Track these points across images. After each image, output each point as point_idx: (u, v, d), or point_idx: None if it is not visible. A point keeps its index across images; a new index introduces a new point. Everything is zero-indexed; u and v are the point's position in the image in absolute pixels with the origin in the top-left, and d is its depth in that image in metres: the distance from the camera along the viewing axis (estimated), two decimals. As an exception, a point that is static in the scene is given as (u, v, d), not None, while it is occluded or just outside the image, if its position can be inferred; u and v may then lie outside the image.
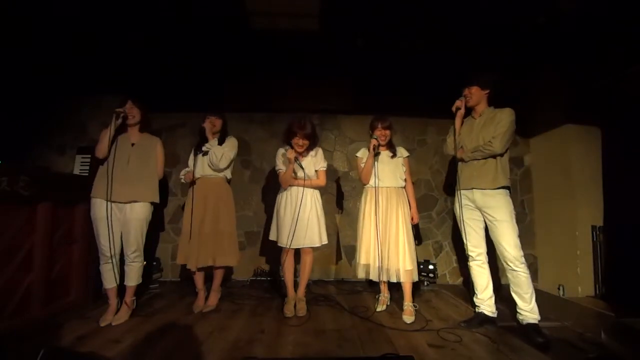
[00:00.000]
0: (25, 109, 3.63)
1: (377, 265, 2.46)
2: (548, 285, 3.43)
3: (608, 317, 2.51)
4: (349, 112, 3.84)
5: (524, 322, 2.12)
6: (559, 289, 3.23)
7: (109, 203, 2.23)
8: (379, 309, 2.56)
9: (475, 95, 2.34)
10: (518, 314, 2.17)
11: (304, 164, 2.49)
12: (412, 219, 2.60)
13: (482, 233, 2.35)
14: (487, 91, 2.34)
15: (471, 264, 2.38)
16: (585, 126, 3.24)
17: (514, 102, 3.66)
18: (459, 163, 2.43)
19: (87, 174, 3.17)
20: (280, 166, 2.56)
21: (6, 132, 3.35)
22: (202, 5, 2.67)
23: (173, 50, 3.34)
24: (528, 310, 2.11)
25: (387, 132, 2.60)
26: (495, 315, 2.31)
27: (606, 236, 3.08)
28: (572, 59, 3.20)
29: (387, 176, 2.58)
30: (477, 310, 2.37)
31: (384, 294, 2.67)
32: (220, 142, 2.58)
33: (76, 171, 3.35)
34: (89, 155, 3.32)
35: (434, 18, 2.80)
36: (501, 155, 2.24)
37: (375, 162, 2.56)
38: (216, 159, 2.48)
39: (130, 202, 2.31)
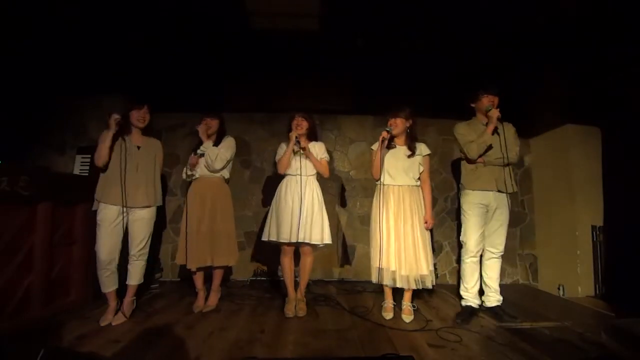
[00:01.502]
0: (25, 109, 3.63)
1: (392, 269, 2.35)
2: (548, 285, 3.43)
3: (608, 317, 2.51)
4: (349, 112, 3.84)
5: (493, 305, 2.46)
6: (559, 289, 3.23)
7: (124, 209, 2.25)
8: (387, 317, 2.39)
9: (496, 104, 2.44)
10: (487, 298, 2.51)
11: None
12: (425, 222, 2.41)
13: (483, 232, 2.50)
14: None
15: (469, 260, 2.50)
16: (585, 126, 3.25)
17: (514, 103, 3.68)
18: (471, 165, 2.51)
19: (87, 174, 3.16)
20: (280, 154, 2.55)
21: (6, 132, 3.34)
22: (202, 5, 2.67)
23: (173, 50, 3.34)
24: (497, 292, 2.48)
25: (398, 120, 2.42)
26: (478, 306, 2.52)
27: (606, 236, 3.08)
28: (572, 59, 3.20)
29: (399, 173, 2.43)
30: (464, 303, 2.53)
31: (389, 301, 2.49)
32: (218, 142, 2.58)
33: (76, 171, 3.35)
34: (89, 155, 3.31)
35: (434, 18, 2.80)
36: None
37: (388, 157, 2.43)
38: (211, 160, 2.49)
39: (142, 208, 2.33)
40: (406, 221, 2.38)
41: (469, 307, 2.49)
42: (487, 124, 2.42)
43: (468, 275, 2.51)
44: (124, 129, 2.30)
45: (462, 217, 2.56)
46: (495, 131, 2.40)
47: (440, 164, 3.82)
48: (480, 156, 2.44)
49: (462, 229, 2.55)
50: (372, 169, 2.49)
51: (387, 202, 2.42)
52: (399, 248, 2.36)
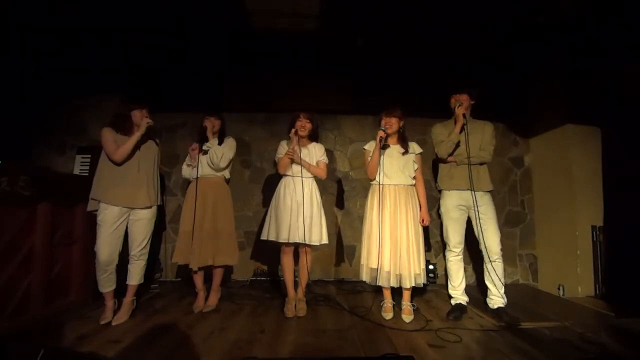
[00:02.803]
0: (25, 109, 3.63)
1: (387, 270, 2.35)
2: (548, 285, 3.43)
3: (608, 317, 2.51)
4: (349, 112, 3.84)
5: (495, 306, 2.43)
6: (559, 289, 3.23)
7: (122, 209, 2.26)
8: (387, 317, 2.40)
9: (466, 102, 2.48)
10: (490, 300, 2.48)
11: (303, 154, 2.52)
12: (422, 220, 2.44)
13: (464, 231, 2.55)
14: (473, 102, 2.52)
15: (452, 258, 2.56)
16: (585, 126, 3.24)
17: (514, 103, 3.68)
18: (445, 165, 2.59)
19: (87, 174, 3.16)
20: (281, 153, 2.54)
21: (6, 132, 3.35)
22: (203, 6, 2.67)
23: (173, 50, 3.34)
24: (500, 296, 2.43)
25: (393, 119, 2.45)
26: (466, 303, 2.58)
27: (606, 236, 3.07)
28: (571, 59, 3.19)
29: (396, 173, 2.44)
30: (453, 302, 2.57)
31: (389, 301, 2.50)
32: (219, 142, 2.60)
33: (76, 171, 3.35)
34: (89, 155, 3.32)
35: (433, 18, 2.80)
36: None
37: (383, 157, 2.44)
38: (217, 158, 2.50)
39: (143, 208, 2.33)
40: (402, 220, 2.40)
41: (459, 305, 2.54)
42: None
43: (453, 273, 2.57)
44: (128, 130, 2.33)
45: (441, 217, 2.62)
46: (463, 129, 2.44)
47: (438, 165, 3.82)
48: (450, 155, 2.51)
49: (443, 229, 2.61)
50: (368, 169, 2.50)
51: (383, 202, 2.43)
52: (394, 248, 2.38)
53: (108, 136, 2.27)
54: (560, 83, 3.34)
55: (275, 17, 2.88)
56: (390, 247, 2.38)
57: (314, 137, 2.63)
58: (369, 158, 2.50)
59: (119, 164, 2.26)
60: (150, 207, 2.37)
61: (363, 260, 2.48)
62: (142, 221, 2.35)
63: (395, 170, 2.45)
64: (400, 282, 2.37)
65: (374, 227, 2.43)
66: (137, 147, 2.33)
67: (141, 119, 2.32)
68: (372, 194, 2.52)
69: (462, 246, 2.55)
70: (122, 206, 2.26)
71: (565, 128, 3.29)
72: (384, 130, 2.41)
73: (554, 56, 3.29)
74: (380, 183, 2.45)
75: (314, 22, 2.92)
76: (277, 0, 2.69)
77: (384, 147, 2.47)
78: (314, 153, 2.56)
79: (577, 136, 3.24)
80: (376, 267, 2.37)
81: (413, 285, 2.37)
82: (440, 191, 2.65)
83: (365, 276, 2.46)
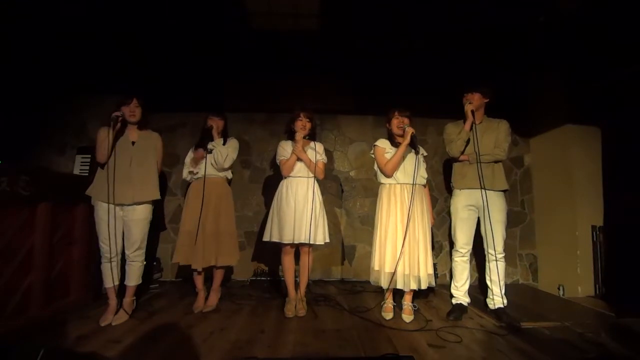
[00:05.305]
0: (25, 109, 3.63)
1: (406, 273, 2.30)
2: (548, 285, 3.43)
3: (608, 317, 2.51)
4: (349, 112, 3.84)
5: (495, 307, 2.42)
6: (559, 289, 3.23)
7: (111, 206, 2.21)
8: (387, 317, 2.39)
9: (477, 101, 2.46)
10: (490, 300, 2.48)
11: (307, 152, 2.50)
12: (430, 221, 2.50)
13: (473, 232, 2.52)
14: (487, 100, 2.50)
15: (458, 259, 2.54)
16: (585, 126, 3.25)
17: (514, 103, 3.68)
18: (459, 164, 2.56)
19: (87, 174, 3.16)
20: (283, 155, 2.53)
21: (6, 132, 3.34)
22: (203, 5, 2.67)
23: (173, 50, 3.34)
24: (500, 296, 2.42)
25: (407, 121, 2.46)
26: (467, 304, 2.57)
27: (606, 236, 3.07)
28: (572, 59, 3.20)
29: (413, 172, 2.40)
30: (454, 301, 2.57)
31: (389, 301, 2.49)
32: (223, 142, 2.59)
33: (76, 171, 3.35)
34: (89, 155, 3.32)
35: (434, 18, 2.81)
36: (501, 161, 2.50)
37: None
38: (221, 158, 2.49)
39: (133, 205, 2.29)
40: (417, 221, 2.38)
41: (459, 305, 2.53)
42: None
43: (458, 273, 2.56)
44: (123, 127, 2.30)
45: (451, 216, 2.61)
46: (471, 127, 2.43)
47: (441, 164, 3.82)
48: (462, 153, 2.50)
49: (452, 228, 2.60)
50: (387, 165, 2.41)
51: (402, 202, 2.39)
52: (412, 249, 2.33)
53: (98, 136, 2.25)
54: (560, 83, 3.34)
55: (275, 17, 2.88)
56: (409, 248, 2.33)
57: (312, 136, 2.62)
58: (386, 154, 2.45)
59: (102, 163, 2.25)
60: (142, 204, 2.32)
61: (377, 265, 2.40)
62: (135, 221, 2.32)
63: (413, 169, 2.41)
64: (419, 284, 2.32)
65: (390, 227, 2.37)
66: (131, 142, 2.31)
67: (129, 115, 2.29)
68: (388, 193, 2.45)
69: (469, 247, 2.51)
70: (111, 203, 2.21)
71: (565, 128, 3.29)
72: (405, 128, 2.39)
73: (554, 56, 3.29)
74: (399, 182, 2.42)
75: (314, 22, 2.92)
76: (277, 0, 2.69)
77: (397, 146, 2.43)
78: (312, 155, 2.55)
79: (577, 136, 3.24)
80: (393, 270, 2.31)
81: (427, 286, 2.35)
82: (451, 190, 2.64)
83: (383, 281, 2.37)
